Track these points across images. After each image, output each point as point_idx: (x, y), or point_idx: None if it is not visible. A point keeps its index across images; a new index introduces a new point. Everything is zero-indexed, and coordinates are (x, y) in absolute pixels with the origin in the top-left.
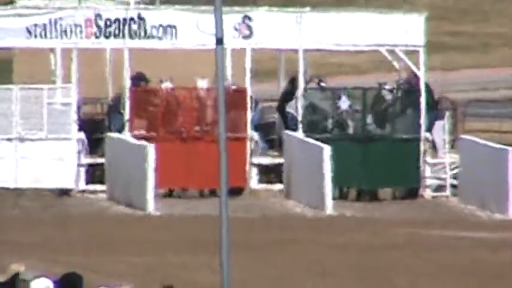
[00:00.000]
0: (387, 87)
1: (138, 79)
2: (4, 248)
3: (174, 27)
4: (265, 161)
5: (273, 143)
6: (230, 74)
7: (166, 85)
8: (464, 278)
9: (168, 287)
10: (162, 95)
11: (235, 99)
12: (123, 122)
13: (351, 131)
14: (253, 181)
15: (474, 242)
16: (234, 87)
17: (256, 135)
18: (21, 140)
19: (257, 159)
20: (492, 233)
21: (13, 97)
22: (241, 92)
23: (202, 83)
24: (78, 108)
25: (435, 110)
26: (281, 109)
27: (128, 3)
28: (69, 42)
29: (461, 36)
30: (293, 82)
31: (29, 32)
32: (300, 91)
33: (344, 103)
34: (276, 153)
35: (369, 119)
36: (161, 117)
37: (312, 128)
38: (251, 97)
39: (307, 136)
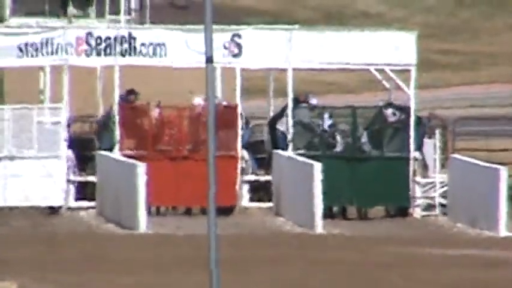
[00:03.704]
0: (390, 110)
1: (128, 93)
2: None
3: (164, 45)
4: (256, 179)
5: (262, 162)
6: (220, 91)
7: (154, 111)
8: None
9: None
10: (152, 114)
11: (226, 116)
12: (112, 141)
13: (336, 149)
14: (244, 199)
15: (463, 260)
16: (224, 103)
17: (246, 154)
18: (11, 158)
19: (248, 178)
20: (482, 251)
21: (4, 116)
22: (232, 109)
23: (198, 100)
24: (68, 126)
25: (418, 128)
26: (272, 125)
27: (119, 22)
28: (60, 61)
29: (451, 54)
30: (287, 106)
31: (21, 51)
32: (289, 109)
33: (326, 122)
34: (264, 172)
35: (364, 138)
36: (151, 136)
37: (301, 146)
38: (241, 115)
39: (297, 154)
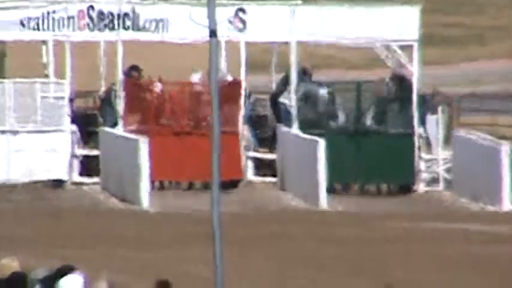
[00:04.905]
0: (383, 82)
1: (130, 70)
2: None
3: (167, 20)
4: (260, 155)
5: (265, 138)
6: (224, 66)
7: (156, 87)
8: (458, 271)
9: (162, 281)
10: (155, 90)
11: (230, 91)
12: (115, 116)
13: (336, 121)
14: (249, 174)
15: (467, 235)
16: (230, 78)
17: (247, 129)
18: (15, 133)
19: (252, 154)
20: (485, 226)
21: (6, 90)
22: (236, 85)
23: (196, 77)
24: (71, 101)
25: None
26: (274, 100)
27: None
28: (62, 35)
29: (456, 28)
30: (288, 75)
31: (23, 25)
32: (292, 83)
33: (323, 90)
34: (268, 150)
35: (370, 114)
36: (154, 112)
37: (306, 122)
38: (244, 89)
39: (302, 131)
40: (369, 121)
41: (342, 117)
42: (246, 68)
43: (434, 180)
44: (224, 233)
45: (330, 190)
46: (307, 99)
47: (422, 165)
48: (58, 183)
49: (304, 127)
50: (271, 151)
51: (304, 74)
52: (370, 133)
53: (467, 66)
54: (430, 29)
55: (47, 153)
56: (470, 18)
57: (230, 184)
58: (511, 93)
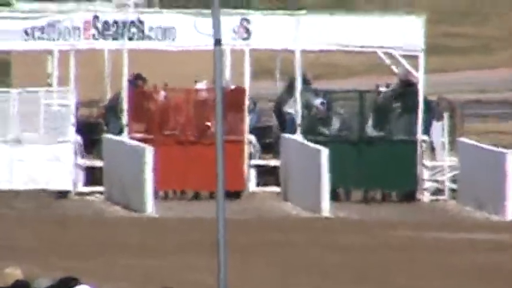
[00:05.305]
0: (382, 89)
1: (136, 78)
2: None
3: (173, 29)
4: (263, 163)
5: (269, 147)
6: (229, 74)
7: (160, 95)
8: (462, 280)
9: None
10: (159, 98)
11: (234, 100)
12: (120, 124)
13: (326, 130)
14: (252, 184)
15: (472, 243)
16: (232, 86)
17: (253, 138)
18: (18, 142)
19: (255, 162)
20: (489, 235)
21: (11, 99)
22: (239, 93)
23: (201, 85)
24: (76, 110)
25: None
26: (277, 110)
27: (127, 6)
28: (67, 44)
29: (460, 38)
30: (292, 83)
31: (27, 34)
32: (297, 92)
33: (317, 100)
34: (271, 157)
35: (370, 122)
36: (159, 120)
37: (306, 131)
38: (250, 98)
39: (305, 138)
40: (369, 129)
41: (336, 126)
42: (250, 74)
43: (439, 189)
44: (227, 240)
45: (333, 198)
46: (306, 108)
47: (426, 174)
48: (62, 194)
49: (306, 135)
50: (274, 157)
51: (303, 82)
52: (372, 141)
53: (472, 75)
54: (435, 37)
55: (50, 163)
56: (475, 28)
57: (233, 194)
58: None
